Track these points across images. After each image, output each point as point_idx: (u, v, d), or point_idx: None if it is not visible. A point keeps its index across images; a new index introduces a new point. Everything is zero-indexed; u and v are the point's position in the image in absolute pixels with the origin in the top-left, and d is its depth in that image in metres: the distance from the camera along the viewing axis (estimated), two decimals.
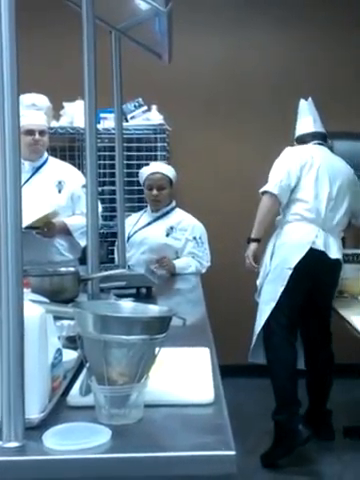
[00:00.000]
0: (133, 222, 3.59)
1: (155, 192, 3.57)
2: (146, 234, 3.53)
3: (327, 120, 3.55)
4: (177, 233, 3.51)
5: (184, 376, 1.42)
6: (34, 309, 1.21)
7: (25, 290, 1.14)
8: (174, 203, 3.68)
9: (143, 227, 3.58)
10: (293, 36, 4.47)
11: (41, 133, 3.31)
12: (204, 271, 3.48)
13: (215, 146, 4.46)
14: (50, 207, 3.22)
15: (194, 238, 3.51)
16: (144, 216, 3.68)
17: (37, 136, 3.26)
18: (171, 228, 3.52)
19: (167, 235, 3.51)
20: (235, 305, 4.20)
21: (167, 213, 3.62)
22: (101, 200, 3.35)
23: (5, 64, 1.05)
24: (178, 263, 3.40)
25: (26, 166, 3.28)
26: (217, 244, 3.72)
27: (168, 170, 3.68)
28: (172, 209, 3.65)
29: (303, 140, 3.45)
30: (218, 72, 4.49)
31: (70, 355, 1.45)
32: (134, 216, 3.70)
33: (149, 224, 3.60)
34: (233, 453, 1.06)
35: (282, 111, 4.09)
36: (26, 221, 2.88)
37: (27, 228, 2.89)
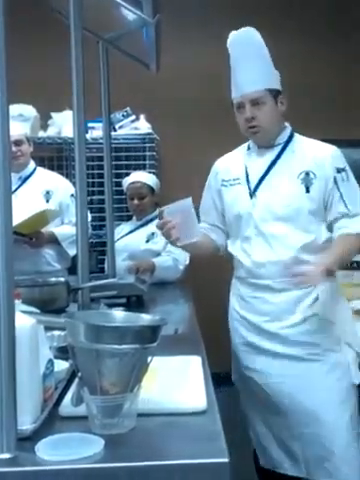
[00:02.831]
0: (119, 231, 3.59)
1: (136, 201, 3.58)
2: (127, 241, 3.53)
3: (322, 128, 3.56)
4: (158, 237, 3.50)
5: (176, 385, 1.42)
6: (25, 320, 1.20)
7: (16, 301, 1.14)
8: (158, 211, 3.67)
9: (125, 235, 3.59)
10: (282, 44, 4.50)
11: (17, 143, 3.25)
12: (182, 268, 3.43)
13: (203, 154, 4.46)
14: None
15: None
16: (128, 224, 3.69)
17: (13, 147, 3.21)
18: (152, 234, 3.51)
19: (147, 241, 3.51)
20: (226, 313, 4.20)
21: (150, 220, 3.61)
22: (90, 209, 3.34)
23: None
24: (156, 260, 3.38)
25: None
26: None
27: (148, 178, 3.67)
28: (156, 216, 3.63)
29: None
30: (206, 82, 4.51)
31: (61, 365, 1.45)
32: (122, 226, 3.71)
33: (131, 232, 3.61)
34: (227, 460, 1.06)
35: None
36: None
37: (15, 234, 2.87)
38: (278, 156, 2.24)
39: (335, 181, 2.15)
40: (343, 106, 4.56)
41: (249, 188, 2.24)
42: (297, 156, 2.23)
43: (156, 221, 3.57)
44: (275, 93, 2.22)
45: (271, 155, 2.25)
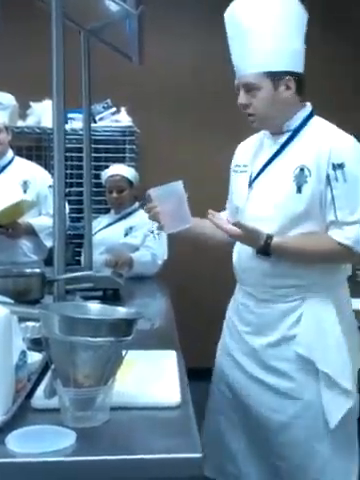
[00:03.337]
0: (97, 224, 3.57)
1: (115, 194, 3.56)
2: (105, 235, 3.51)
3: None
4: (136, 231, 3.49)
5: (151, 379, 1.41)
6: None
7: None
8: (137, 204, 3.66)
9: (103, 228, 3.57)
10: None
11: None
12: (160, 263, 3.42)
13: (184, 148, 4.46)
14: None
15: (151, 232, 3.46)
16: (106, 217, 3.67)
17: None
18: (130, 228, 3.50)
19: (126, 235, 3.49)
20: (203, 308, 4.20)
21: (129, 214, 3.60)
22: (68, 201, 3.31)
23: None
24: (134, 255, 3.36)
25: None
26: (184, 246, 3.71)
27: (127, 171, 3.65)
28: (135, 210, 3.63)
29: None
30: (189, 75, 4.50)
31: (35, 357, 1.43)
32: (100, 218, 3.69)
33: (109, 225, 3.59)
34: (200, 455, 1.06)
35: None
36: None
37: None
38: (283, 145, 1.91)
39: (328, 180, 1.78)
40: None
41: (250, 178, 1.96)
42: (301, 147, 1.88)
43: (135, 215, 3.62)
44: (278, 76, 1.84)
45: (278, 143, 1.92)
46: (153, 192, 1.89)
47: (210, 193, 4.31)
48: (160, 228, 1.94)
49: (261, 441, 1.96)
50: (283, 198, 1.85)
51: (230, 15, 1.91)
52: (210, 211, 1.87)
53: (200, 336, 3.79)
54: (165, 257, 3.45)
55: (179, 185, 1.86)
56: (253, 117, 1.92)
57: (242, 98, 1.91)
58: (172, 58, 4.51)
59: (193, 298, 4.27)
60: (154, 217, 1.92)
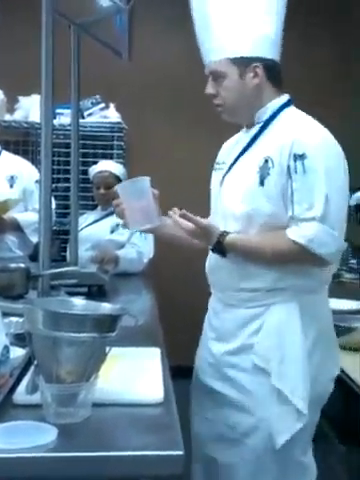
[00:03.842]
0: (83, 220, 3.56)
1: (102, 191, 3.55)
2: (91, 231, 3.50)
3: None
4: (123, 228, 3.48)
5: (134, 376, 1.41)
6: None
7: None
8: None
9: (90, 224, 3.56)
10: None
11: None
12: (146, 261, 3.42)
13: (171, 145, 4.46)
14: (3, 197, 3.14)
15: None
16: (93, 214, 3.66)
17: None
18: (117, 225, 3.48)
19: (112, 232, 3.49)
20: (188, 306, 4.21)
21: None
22: (55, 197, 3.30)
23: None
24: (120, 252, 3.36)
25: None
26: (169, 244, 3.71)
27: (116, 168, 3.64)
28: None
29: None
30: (181, 71, 4.49)
31: (17, 352, 1.42)
32: (87, 214, 3.68)
33: (96, 221, 3.58)
34: (181, 453, 1.05)
35: None
36: None
37: None
38: (254, 137, 1.77)
39: (289, 171, 1.62)
40: None
41: (223, 174, 1.83)
42: (269, 138, 1.72)
43: None
44: (244, 63, 1.71)
45: (248, 136, 1.79)
46: (119, 187, 1.79)
47: (197, 190, 4.34)
48: (124, 225, 1.82)
49: (210, 460, 1.81)
50: (247, 192, 1.70)
51: None
52: (173, 209, 1.74)
53: (184, 334, 3.80)
54: (151, 255, 3.45)
55: (145, 181, 1.74)
56: (221, 107, 1.79)
57: (209, 87, 1.78)
58: (164, 54, 4.50)
59: (177, 296, 4.27)
60: (119, 213, 1.79)
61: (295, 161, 1.61)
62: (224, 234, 1.70)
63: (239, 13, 1.71)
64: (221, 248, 1.70)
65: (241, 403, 1.73)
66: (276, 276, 1.70)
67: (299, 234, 1.61)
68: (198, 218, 1.69)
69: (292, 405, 1.66)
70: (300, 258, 1.66)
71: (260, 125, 1.77)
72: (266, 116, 1.76)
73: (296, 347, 1.69)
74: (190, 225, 1.69)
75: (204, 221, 1.71)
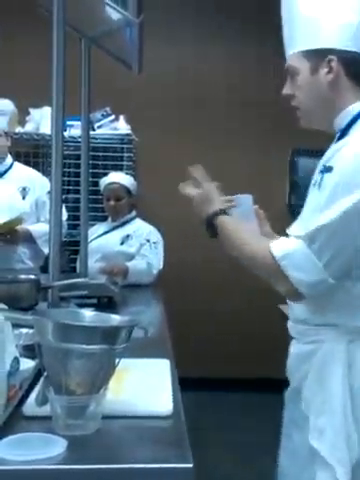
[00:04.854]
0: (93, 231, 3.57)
1: (112, 203, 3.57)
2: (101, 242, 3.52)
3: (292, 137, 3.59)
4: (133, 240, 3.49)
5: (143, 388, 1.40)
6: None
7: None
8: (134, 213, 3.68)
9: (99, 236, 3.57)
10: (267, 48, 4.53)
11: None
12: (155, 272, 3.43)
13: (181, 158, 4.43)
14: (14, 213, 3.17)
15: (148, 241, 3.48)
16: (103, 225, 3.67)
17: None
18: (127, 236, 3.51)
19: (122, 243, 3.50)
20: (197, 318, 4.20)
21: (126, 222, 3.61)
22: (65, 208, 3.32)
23: None
24: (130, 263, 3.36)
25: None
26: (179, 255, 3.71)
27: (126, 180, 3.66)
28: (132, 219, 3.64)
29: None
30: (188, 84, 4.51)
31: (27, 364, 1.42)
32: (97, 226, 3.69)
33: (106, 233, 3.60)
34: (190, 466, 1.05)
35: (249, 125, 4.13)
36: None
37: None
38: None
39: (314, 182, 1.46)
40: None
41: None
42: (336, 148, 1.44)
43: (132, 224, 3.61)
44: (317, 56, 1.46)
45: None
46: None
47: None
48: None
49: None
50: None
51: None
52: (181, 184, 1.69)
53: (193, 346, 3.78)
54: (161, 266, 3.46)
55: (247, 199, 1.67)
56: (298, 111, 1.55)
57: (285, 87, 1.55)
58: (171, 67, 4.53)
59: (187, 308, 4.26)
60: None
61: (321, 173, 1.41)
62: (219, 212, 1.58)
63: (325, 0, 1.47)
64: (213, 226, 1.58)
65: (291, 450, 1.54)
66: (322, 305, 1.45)
67: (278, 246, 1.42)
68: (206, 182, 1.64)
69: (331, 469, 1.38)
70: (269, 273, 1.44)
71: (338, 135, 1.49)
72: (345, 122, 1.47)
73: (337, 398, 1.42)
74: (191, 189, 1.64)
75: (210, 185, 1.65)
